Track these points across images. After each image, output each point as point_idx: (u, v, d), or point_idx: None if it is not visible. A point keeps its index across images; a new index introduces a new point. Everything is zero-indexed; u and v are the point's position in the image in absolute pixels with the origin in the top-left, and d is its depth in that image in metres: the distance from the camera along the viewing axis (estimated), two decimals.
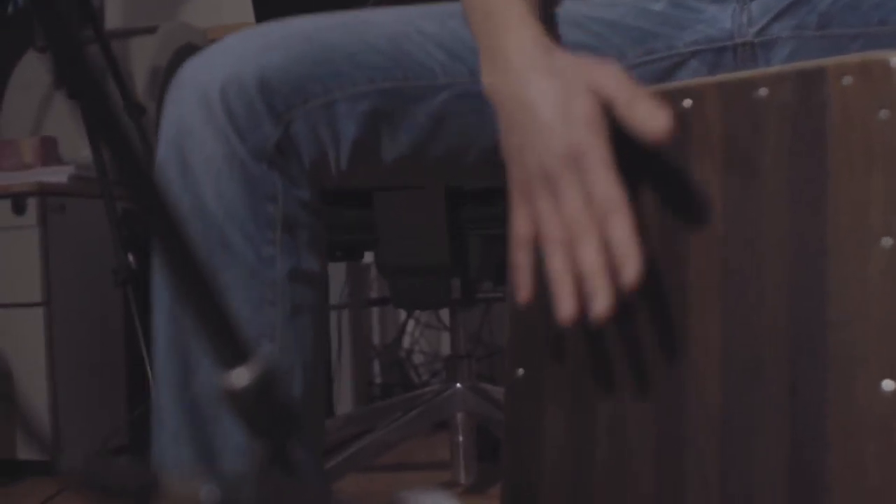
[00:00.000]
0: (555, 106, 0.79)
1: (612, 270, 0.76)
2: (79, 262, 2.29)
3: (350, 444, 1.77)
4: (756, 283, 0.79)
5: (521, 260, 0.81)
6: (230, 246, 0.86)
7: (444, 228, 1.64)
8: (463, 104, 0.93)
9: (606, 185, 0.76)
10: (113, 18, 2.75)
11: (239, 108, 0.86)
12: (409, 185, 1.56)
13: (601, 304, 0.75)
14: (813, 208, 0.78)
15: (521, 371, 0.89)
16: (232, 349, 0.50)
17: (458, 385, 1.90)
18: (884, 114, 0.76)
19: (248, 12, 1.79)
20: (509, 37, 0.84)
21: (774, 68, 0.82)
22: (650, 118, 0.76)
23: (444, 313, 2.49)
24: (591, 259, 0.76)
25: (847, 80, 0.77)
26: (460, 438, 1.91)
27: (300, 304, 0.88)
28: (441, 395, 1.88)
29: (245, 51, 0.88)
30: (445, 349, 2.59)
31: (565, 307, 0.76)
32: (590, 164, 0.77)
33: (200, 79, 0.87)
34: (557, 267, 0.77)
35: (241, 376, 0.50)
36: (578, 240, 0.77)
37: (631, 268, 0.75)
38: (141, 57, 2.50)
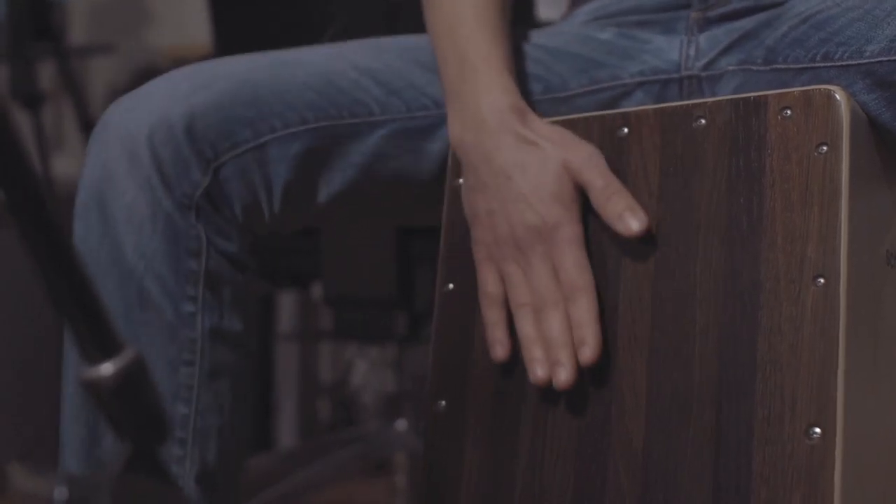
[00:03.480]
0: (530, 178, 0.81)
1: (575, 345, 0.79)
2: (13, 267, 2.23)
3: (279, 481, 1.72)
4: (686, 318, 0.76)
5: (493, 317, 0.82)
6: (149, 301, 0.82)
7: (392, 260, 1.61)
8: (399, 141, 0.90)
9: (574, 265, 0.79)
10: (76, 34, 2.73)
11: (166, 155, 0.82)
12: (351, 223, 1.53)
13: (564, 376, 0.78)
14: (748, 243, 0.75)
15: (442, 403, 0.85)
16: (99, 343, 0.47)
17: (400, 423, 1.86)
18: (823, 149, 0.74)
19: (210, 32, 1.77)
20: (484, 95, 0.84)
21: (714, 98, 0.80)
22: (623, 218, 0.78)
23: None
24: (555, 330, 0.79)
25: (787, 112, 0.75)
26: (400, 480, 1.86)
27: (220, 365, 0.84)
28: (380, 434, 1.83)
29: (173, 93, 0.84)
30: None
31: (539, 372, 0.79)
32: (560, 241, 0.79)
33: (126, 123, 0.83)
34: (528, 332, 0.80)
35: (105, 371, 0.46)
36: (544, 311, 0.79)
37: (589, 350, 0.78)
38: (101, 76, 2.47)
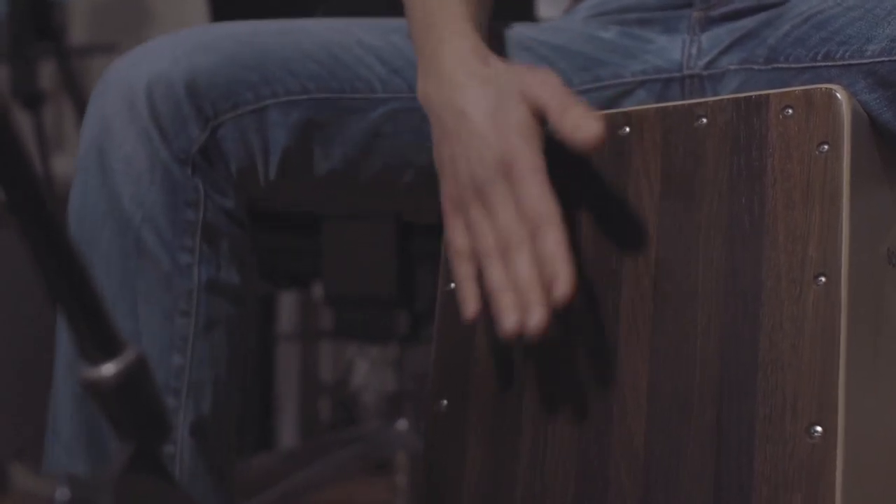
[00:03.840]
0: (486, 114, 0.77)
1: (546, 284, 0.73)
2: (13, 267, 2.23)
3: (280, 480, 1.72)
4: (687, 317, 0.76)
5: (462, 272, 0.77)
6: (145, 251, 0.82)
7: (393, 260, 1.61)
8: (400, 121, 0.90)
9: (537, 195, 0.74)
10: (77, 33, 2.73)
11: (164, 109, 0.82)
12: (353, 212, 1.53)
13: (535, 319, 0.72)
14: (749, 242, 0.75)
15: (443, 403, 0.85)
16: (100, 343, 0.47)
17: (401, 423, 1.86)
18: (824, 148, 0.74)
19: None
20: (445, 46, 0.83)
21: (715, 97, 0.80)
22: (580, 126, 0.73)
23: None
24: (523, 272, 0.73)
25: (789, 111, 0.75)
26: (401, 479, 1.86)
27: (216, 316, 0.84)
28: (381, 433, 1.83)
29: (176, 50, 0.85)
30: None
31: (509, 321, 0.73)
32: (520, 173, 0.75)
33: (126, 76, 0.84)
34: (495, 279, 0.74)
35: (106, 371, 0.46)
36: (511, 252, 0.74)
37: (561, 285, 0.72)
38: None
